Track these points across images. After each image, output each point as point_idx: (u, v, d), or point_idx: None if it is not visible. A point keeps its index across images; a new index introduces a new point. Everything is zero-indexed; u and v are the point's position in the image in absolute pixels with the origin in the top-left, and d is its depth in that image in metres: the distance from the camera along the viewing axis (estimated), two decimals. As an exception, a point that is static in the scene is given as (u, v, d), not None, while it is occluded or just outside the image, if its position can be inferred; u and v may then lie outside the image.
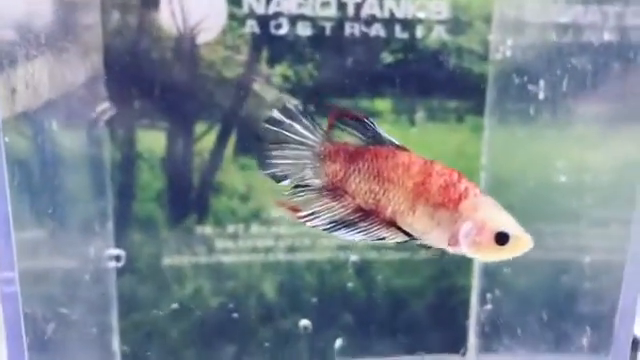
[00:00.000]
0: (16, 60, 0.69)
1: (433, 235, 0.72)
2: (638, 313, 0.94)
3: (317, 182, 0.75)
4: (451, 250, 0.73)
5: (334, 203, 0.75)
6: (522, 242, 0.71)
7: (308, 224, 0.75)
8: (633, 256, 0.96)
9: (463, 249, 0.72)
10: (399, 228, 0.73)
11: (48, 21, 0.79)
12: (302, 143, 0.76)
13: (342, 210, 0.75)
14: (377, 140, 0.75)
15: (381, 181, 0.74)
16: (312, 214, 0.75)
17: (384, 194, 0.74)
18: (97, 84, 1.06)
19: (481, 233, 0.70)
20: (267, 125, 0.76)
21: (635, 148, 1.05)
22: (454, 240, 0.71)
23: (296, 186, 0.76)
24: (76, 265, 1.12)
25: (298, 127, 0.76)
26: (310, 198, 0.76)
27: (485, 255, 0.72)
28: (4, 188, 0.73)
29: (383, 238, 0.74)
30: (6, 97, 0.66)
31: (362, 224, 0.74)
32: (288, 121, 0.75)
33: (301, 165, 0.76)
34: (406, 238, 0.74)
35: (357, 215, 0.74)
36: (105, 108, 1.07)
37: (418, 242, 0.74)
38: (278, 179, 0.77)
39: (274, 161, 0.76)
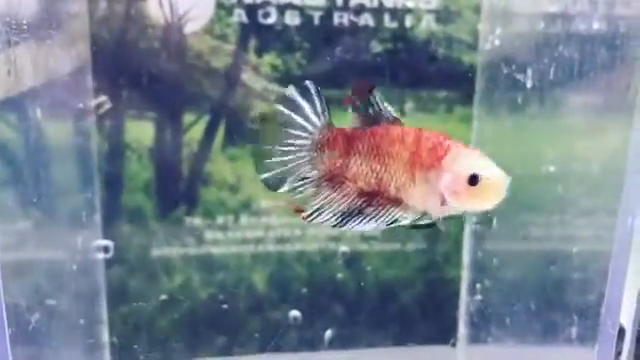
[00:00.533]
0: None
1: (431, 201, 0.72)
2: (624, 302, 0.94)
3: (314, 173, 0.75)
4: (445, 211, 0.73)
5: (335, 193, 0.74)
6: (495, 181, 0.71)
7: (316, 222, 0.74)
8: (619, 246, 0.96)
9: (450, 204, 0.71)
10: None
11: (32, 8, 0.78)
12: (303, 130, 0.75)
13: (345, 199, 0.74)
14: (379, 115, 0.75)
15: (381, 158, 0.73)
16: (317, 211, 0.74)
17: (385, 170, 0.73)
18: (84, 73, 1.05)
19: (457, 180, 0.70)
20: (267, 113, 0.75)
21: (622, 138, 1.05)
22: (442, 198, 0.71)
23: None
24: (64, 256, 1.12)
25: (298, 115, 0.74)
26: (310, 194, 0.75)
27: (467, 203, 0.72)
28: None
29: (395, 220, 0.73)
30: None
31: (369, 209, 0.73)
32: (287, 112, 0.74)
33: (298, 160, 0.75)
34: (418, 215, 0.73)
35: (362, 200, 0.73)
36: (102, 101, 1.07)
37: (427, 220, 0.74)
38: (275, 185, 0.75)
39: (272, 160, 0.74)
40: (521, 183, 1.15)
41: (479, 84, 1.16)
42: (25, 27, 0.73)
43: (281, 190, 0.75)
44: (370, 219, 0.73)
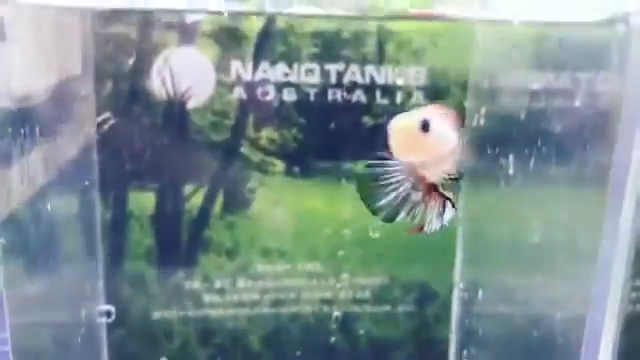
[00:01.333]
0: (11, 158, 0.72)
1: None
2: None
3: (417, 194, 0.80)
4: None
5: (428, 196, 0.81)
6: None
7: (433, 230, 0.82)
8: (594, 309, 1.01)
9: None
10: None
11: (43, 107, 0.82)
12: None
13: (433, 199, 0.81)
14: None
15: None
16: (430, 222, 0.82)
17: None
18: (90, 151, 1.10)
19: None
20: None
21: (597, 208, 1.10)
22: None
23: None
24: (68, 321, 1.16)
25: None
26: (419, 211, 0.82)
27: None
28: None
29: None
30: (2, 198, 0.69)
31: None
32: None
33: (403, 186, 0.80)
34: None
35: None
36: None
37: None
38: (392, 218, 0.82)
39: (383, 202, 0.80)
40: (507, 249, 1.21)
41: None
42: (37, 131, 0.77)
43: (397, 219, 0.82)
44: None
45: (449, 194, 0.81)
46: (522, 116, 1.16)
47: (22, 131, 0.74)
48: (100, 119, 1.12)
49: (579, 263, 1.12)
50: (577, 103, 1.14)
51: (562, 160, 1.14)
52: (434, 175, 0.79)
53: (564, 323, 1.11)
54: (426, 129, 0.76)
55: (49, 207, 0.89)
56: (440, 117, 0.77)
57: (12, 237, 0.73)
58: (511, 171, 1.11)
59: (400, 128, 0.76)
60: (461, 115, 0.79)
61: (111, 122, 1.13)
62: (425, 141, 0.76)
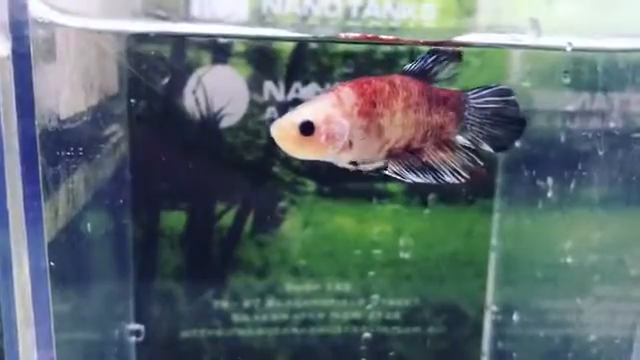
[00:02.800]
0: (59, 180, 0.72)
1: None
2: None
3: None
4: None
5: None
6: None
7: None
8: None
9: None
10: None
11: (85, 127, 0.83)
12: None
13: None
14: None
15: None
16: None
17: None
18: (123, 170, 1.10)
19: None
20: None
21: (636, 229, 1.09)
22: None
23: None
24: (99, 339, 1.15)
25: None
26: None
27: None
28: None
29: None
30: (51, 220, 0.69)
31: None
32: None
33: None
34: None
35: None
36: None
37: None
38: None
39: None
40: (541, 272, 1.20)
41: (500, 177, 1.21)
42: (81, 151, 0.78)
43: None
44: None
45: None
46: (559, 138, 1.15)
47: (68, 152, 0.74)
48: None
49: (607, 285, 1.11)
50: (613, 124, 1.13)
51: (602, 182, 1.13)
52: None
53: (602, 346, 1.10)
54: (309, 132, 0.71)
55: (89, 227, 0.89)
56: (327, 110, 0.71)
57: (57, 259, 0.73)
58: (549, 194, 1.10)
59: (281, 136, 0.71)
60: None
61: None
62: (312, 143, 0.71)
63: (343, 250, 1.26)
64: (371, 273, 1.27)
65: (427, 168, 0.76)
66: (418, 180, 0.75)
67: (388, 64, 1.18)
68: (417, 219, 1.24)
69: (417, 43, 0.83)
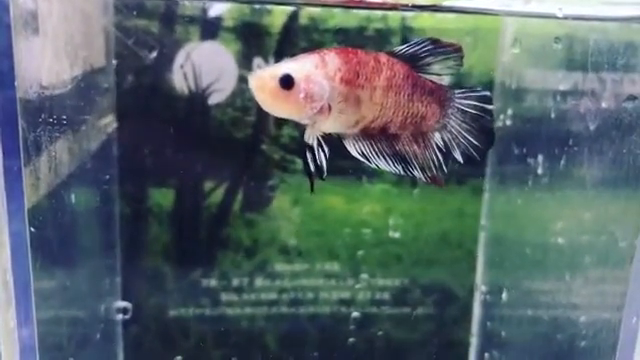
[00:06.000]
0: (41, 147, 0.71)
1: None
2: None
3: None
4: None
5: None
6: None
7: None
8: (627, 314, 0.99)
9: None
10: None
11: (68, 97, 0.81)
12: None
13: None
14: None
15: None
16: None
17: None
18: (110, 144, 1.09)
19: None
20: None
21: (628, 209, 1.08)
22: None
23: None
24: (85, 317, 1.14)
25: None
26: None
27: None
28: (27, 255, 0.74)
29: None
30: (32, 186, 0.68)
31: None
32: None
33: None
34: None
35: None
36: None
37: None
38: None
39: None
40: (531, 253, 1.20)
41: (490, 158, 1.20)
42: (64, 121, 0.77)
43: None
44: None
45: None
46: (550, 117, 1.14)
47: (50, 119, 0.73)
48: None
49: (597, 266, 1.11)
50: (604, 104, 1.12)
51: (592, 161, 1.12)
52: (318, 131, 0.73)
53: (592, 327, 1.09)
54: (288, 86, 0.69)
55: (73, 198, 0.88)
56: (309, 69, 0.69)
57: (39, 226, 0.72)
58: (539, 171, 1.09)
59: (259, 86, 0.69)
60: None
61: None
62: (290, 98, 0.69)
63: (332, 229, 1.25)
64: (360, 253, 1.26)
65: (398, 157, 0.75)
66: (386, 168, 0.74)
67: (380, 40, 1.17)
68: (407, 199, 1.24)
69: (404, 8, 0.81)
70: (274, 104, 0.70)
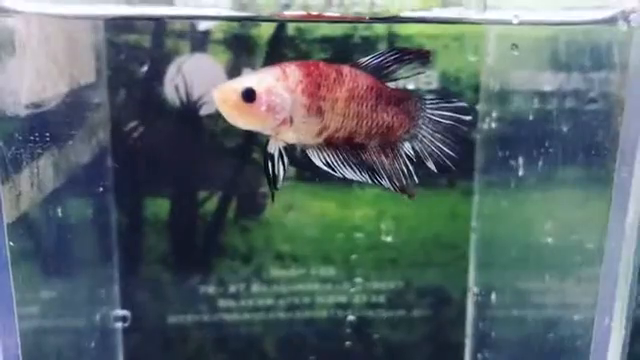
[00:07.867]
0: (21, 163, 0.73)
1: None
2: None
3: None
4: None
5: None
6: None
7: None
8: (600, 311, 0.99)
9: None
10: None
11: (53, 114, 0.84)
12: None
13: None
14: None
15: None
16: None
17: None
18: (104, 157, 1.12)
19: None
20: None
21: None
22: None
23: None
24: (84, 325, 1.17)
25: None
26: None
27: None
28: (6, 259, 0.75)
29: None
30: (11, 202, 0.70)
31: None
32: None
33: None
34: None
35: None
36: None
37: None
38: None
39: None
40: (521, 253, 1.21)
41: (478, 160, 1.21)
42: (48, 136, 0.79)
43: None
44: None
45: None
46: (532, 118, 1.15)
47: (31, 137, 0.75)
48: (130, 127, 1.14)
49: (587, 265, 1.11)
50: (580, 104, 1.13)
51: (570, 162, 1.13)
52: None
53: (575, 326, 1.10)
54: (250, 99, 0.71)
55: (60, 211, 0.90)
56: (270, 81, 0.71)
57: (23, 240, 0.75)
58: (521, 173, 1.10)
59: (222, 99, 0.71)
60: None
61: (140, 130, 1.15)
62: (252, 110, 0.71)
63: (326, 234, 1.27)
64: (355, 257, 1.28)
65: (365, 167, 0.76)
66: (352, 177, 0.75)
67: (366, 48, 1.19)
68: (399, 202, 1.25)
69: (363, 20, 0.83)
70: (237, 116, 0.72)
